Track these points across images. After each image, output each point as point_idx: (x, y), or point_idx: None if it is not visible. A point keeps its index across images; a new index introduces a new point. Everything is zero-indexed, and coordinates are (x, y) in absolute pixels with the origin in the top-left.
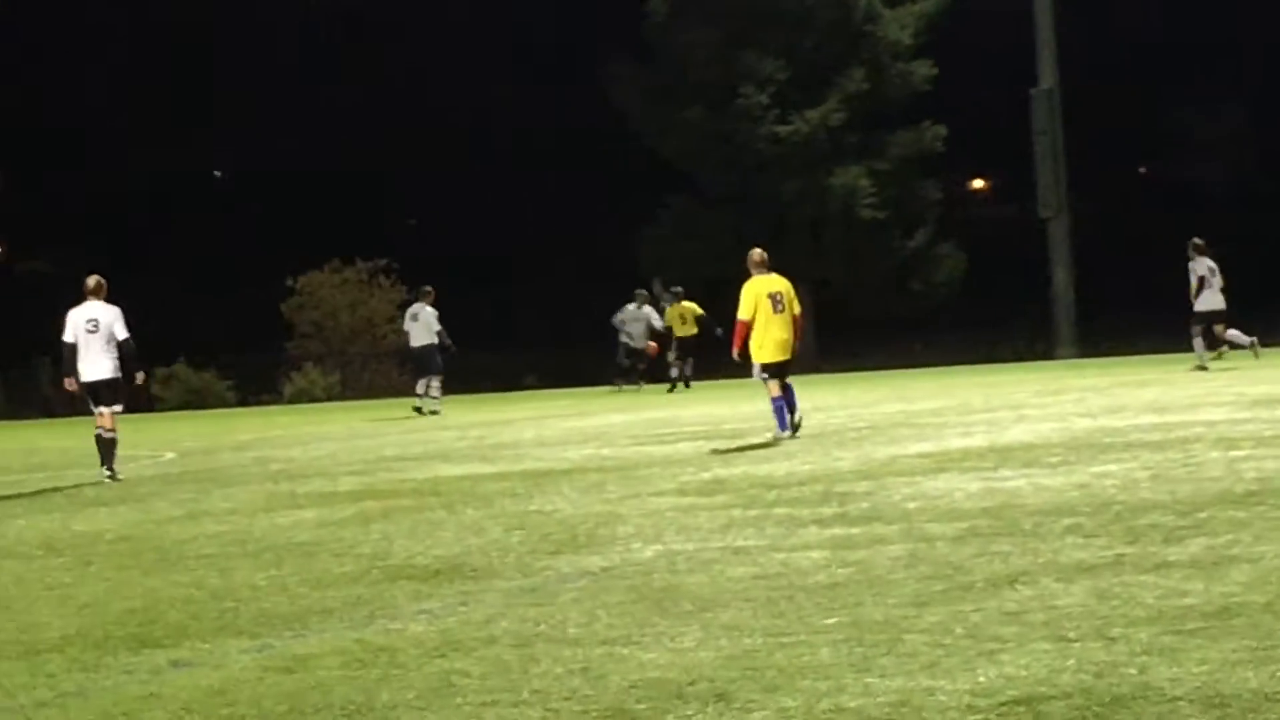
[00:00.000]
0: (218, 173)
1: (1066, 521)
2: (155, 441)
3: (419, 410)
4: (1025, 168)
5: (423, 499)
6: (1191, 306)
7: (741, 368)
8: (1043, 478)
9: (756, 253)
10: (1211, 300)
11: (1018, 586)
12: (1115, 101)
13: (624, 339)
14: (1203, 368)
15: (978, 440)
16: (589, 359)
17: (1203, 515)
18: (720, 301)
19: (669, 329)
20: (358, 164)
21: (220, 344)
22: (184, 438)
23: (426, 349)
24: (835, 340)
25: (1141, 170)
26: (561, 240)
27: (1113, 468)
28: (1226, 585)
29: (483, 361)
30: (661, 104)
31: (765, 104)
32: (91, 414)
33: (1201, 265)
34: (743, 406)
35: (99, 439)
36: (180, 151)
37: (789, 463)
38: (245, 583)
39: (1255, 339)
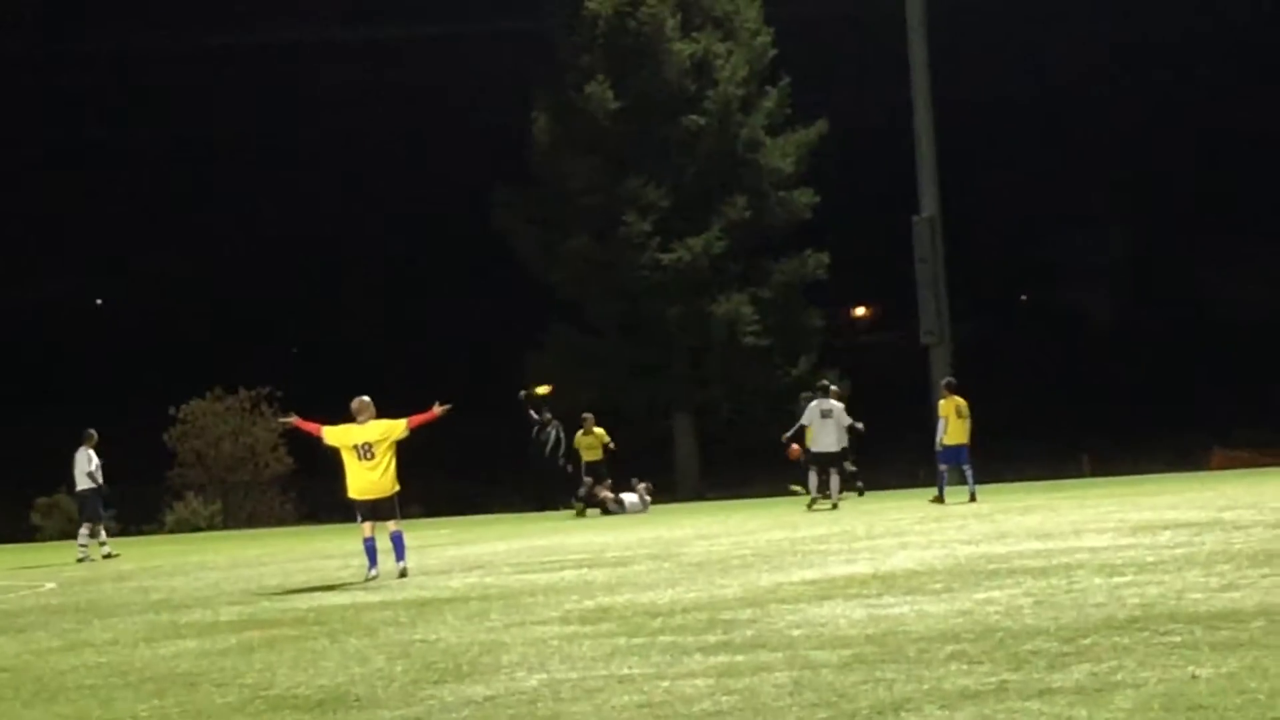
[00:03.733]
0: (99, 301)
1: (950, 648)
2: (35, 571)
3: (107, 556)
4: (907, 295)
5: (306, 628)
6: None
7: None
8: (927, 604)
9: (356, 401)
10: (823, 441)
11: (903, 714)
12: (997, 229)
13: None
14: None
15: (861, 567)
16: (473, 486)
17: (1086, 641)
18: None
19: (575, 453)
20: (238, 291)
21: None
22: (65, 567)
23: (82, 494)
24: (719, 468)
25: (1023, 297)
26: (445, 368)
27: (996, 594)
28: (1110, 711)
29: None
30: (546, 231)
31: (648, 231)
32: None
33: (814, 409)
34: (625, 535)
35: None
36: (60, 279)
37: (673, 590)
38: (127, 714)
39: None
